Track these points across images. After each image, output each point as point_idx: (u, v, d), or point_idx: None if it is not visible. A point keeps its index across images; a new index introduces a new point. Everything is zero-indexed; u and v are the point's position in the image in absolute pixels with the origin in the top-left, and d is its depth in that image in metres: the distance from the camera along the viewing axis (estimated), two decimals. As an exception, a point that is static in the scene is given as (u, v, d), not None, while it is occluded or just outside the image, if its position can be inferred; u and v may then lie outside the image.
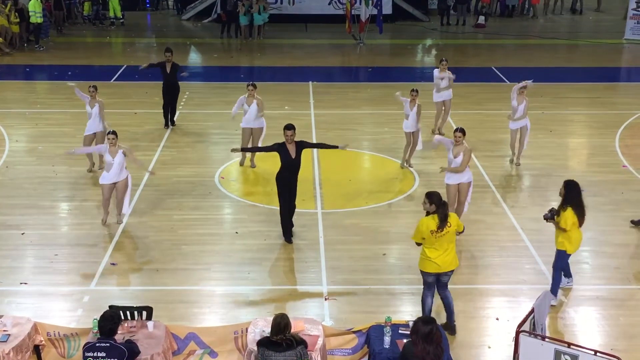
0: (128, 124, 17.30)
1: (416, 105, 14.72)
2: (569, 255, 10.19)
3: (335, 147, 12.06)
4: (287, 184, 11.83)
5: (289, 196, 11.93)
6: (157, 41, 27.76)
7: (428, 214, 9.14)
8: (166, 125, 17.43)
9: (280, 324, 7.38)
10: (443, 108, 17.01)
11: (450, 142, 12.11)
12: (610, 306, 10.40)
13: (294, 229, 12.26)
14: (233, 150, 12.61)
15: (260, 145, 14.41)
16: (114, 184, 12.30)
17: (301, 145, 11.73)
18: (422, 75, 21.55)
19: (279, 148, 11.65)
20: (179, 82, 17.34)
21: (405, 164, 15.21)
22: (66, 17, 30.24)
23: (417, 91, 14.83)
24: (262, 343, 7.50)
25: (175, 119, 17.70)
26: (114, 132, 12.30)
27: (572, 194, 9.98)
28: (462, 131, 11.90)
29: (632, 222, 12.70)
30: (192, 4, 32.43)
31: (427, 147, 14.92)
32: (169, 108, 17.46)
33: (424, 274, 9.34)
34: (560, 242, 10.07)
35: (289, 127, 11.62)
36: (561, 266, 10.29)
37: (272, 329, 7.42)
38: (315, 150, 15.65)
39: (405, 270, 11.25)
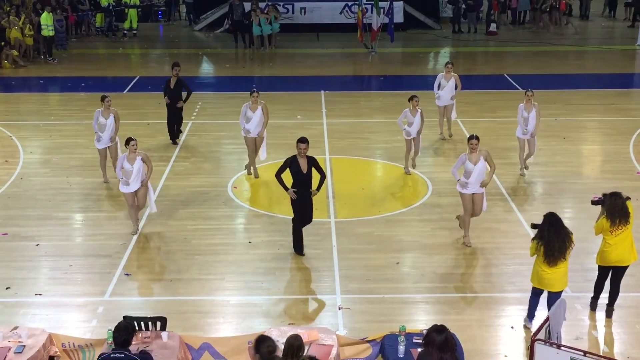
0: (141, 135, 17.21)
1: (418, 112, 14.71)
2: (535, 290, 9.72)
3: (316, 190, 11.69)
4: (300, 197, 11.63)
5: (304, 210, 11.77)
6: (169, 52, 27.89)
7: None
8: (173, 142, 17.11)
9: (294, 345, 7.16)
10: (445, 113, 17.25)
11: (463, 157, 11.87)
12: (625, 314, 10.33)
13: (305, 239, 12.19)
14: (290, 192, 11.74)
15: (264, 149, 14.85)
16: (135, 190, 12.37)
17: (312, 161, 11.56)
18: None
19: (291, 163, 11.47)
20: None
21: (409, 169, 15.24)
22: (77, 27, 30.53)
23: (417, 98, 14.82)
24: None
25: (179, 138, 17.31)
26: (134, 139, 12.30)
27: (542, 228, 9.50)
28: (477, 138, 11.76)
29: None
30: (204, 15, 32.57)
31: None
32: (174, 125, 17.13)
33: None
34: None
35: (303, 141, 11.45)
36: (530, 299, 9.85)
37: (284, 350, 7.20)
38: (328, 158, 15.70)
39: (419, 278, 11.22)
